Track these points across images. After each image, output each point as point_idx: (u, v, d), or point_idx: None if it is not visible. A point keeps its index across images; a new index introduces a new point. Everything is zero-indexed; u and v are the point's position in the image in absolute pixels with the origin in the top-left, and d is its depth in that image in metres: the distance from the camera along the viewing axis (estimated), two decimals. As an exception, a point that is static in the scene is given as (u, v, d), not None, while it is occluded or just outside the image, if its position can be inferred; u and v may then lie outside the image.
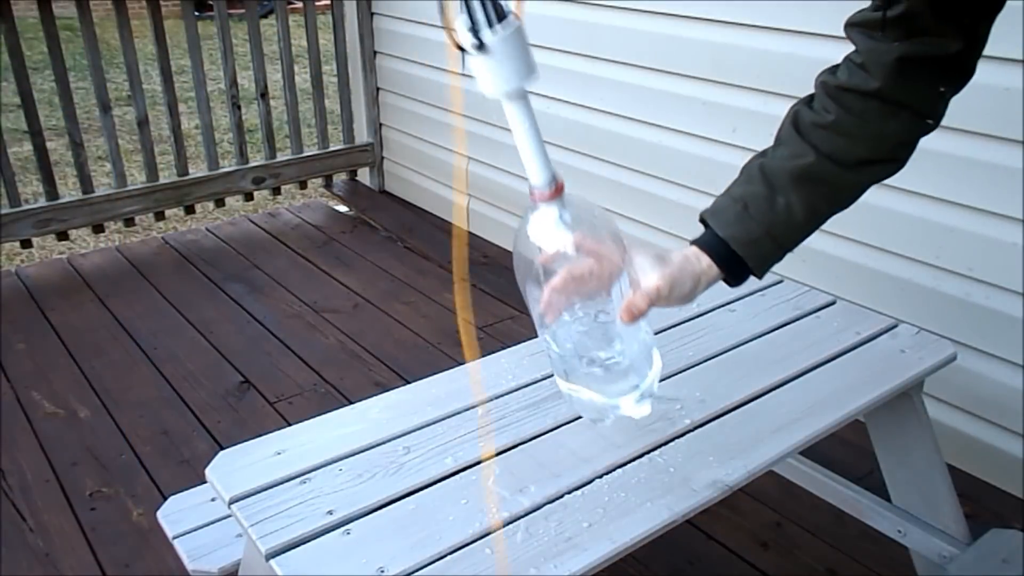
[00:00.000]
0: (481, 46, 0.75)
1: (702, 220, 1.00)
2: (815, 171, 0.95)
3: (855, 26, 0.94)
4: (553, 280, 0.88)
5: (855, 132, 0.94)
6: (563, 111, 2.83)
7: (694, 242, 0.99)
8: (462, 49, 0.76)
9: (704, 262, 0.97)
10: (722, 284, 1.01)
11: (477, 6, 0.73)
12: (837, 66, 0.97)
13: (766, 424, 1.21)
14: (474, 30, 0.74)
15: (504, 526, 1.00)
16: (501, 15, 0.74)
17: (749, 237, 0.96)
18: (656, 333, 1.44)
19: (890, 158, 0.97)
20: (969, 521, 1.55)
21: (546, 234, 0.86)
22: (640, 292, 0.89)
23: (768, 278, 1.64)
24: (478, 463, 1.11)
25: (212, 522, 1.33)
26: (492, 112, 0.79)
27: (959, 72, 0.92)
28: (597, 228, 0.89)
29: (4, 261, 3.47)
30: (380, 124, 3.86)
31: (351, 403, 1.24)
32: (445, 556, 0.96)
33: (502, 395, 1.26)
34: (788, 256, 1.00)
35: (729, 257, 0.97)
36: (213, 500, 1.36)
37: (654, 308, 0.94)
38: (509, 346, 1.41)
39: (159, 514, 1.36)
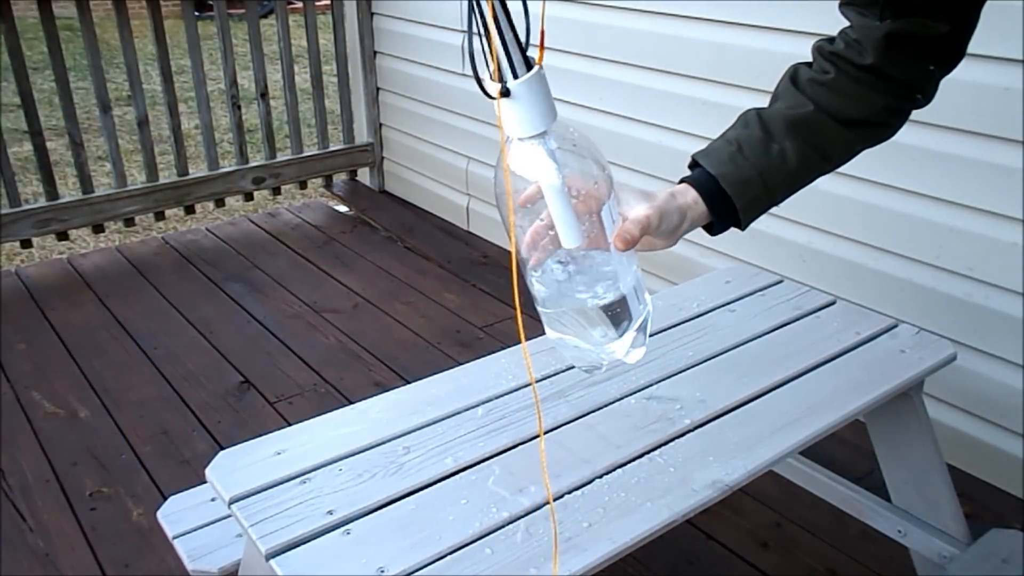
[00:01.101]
0: (506, 92, 0.76)
1: (693, 160, 1.00)
2: (811, 121, 0.97)
3: (849, 5, 0.96)
4: (537, 223, 0.84)
5: (851, 93, 0.96)
6: (563, 111, 2.79)
7: (683, 180, 0.99)
8: (489, 95, 0.76)
9: (691, 196, 0.95)
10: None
11: (503, 55, 0.74)
12: (832, 37, 1.00)
13: (766, 424, 1.21)
14: (500, 78, 0.76)
15: (504, 526, 1.00)
16: (528, 65, 0.76)
17: (741, 177, 0.96)
18: (656, 333, 1.44)
19: (883, 123, 1.00)
20: (969, 521, 1.55)
21: (529, 164, 0.82)
22: (631, 219, 0.88)
23: (768, 278, 1.65)
24: (478, 463, 1.11)
25: (212, 522, 1.33)
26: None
27: (948, 53, 0.94)
28: (581, 155, 0.85)
29: (4, 261, 3.47)
30: (380, 124, 3.86)
31: (351, 403, 1.24)
32: (445, 556, 0.96)
33: (502, 395, 1.26)
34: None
35: (717, 194, 0.96)
36: (213, 500, 1.36)
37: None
38: (509, 346, 1.42)
39: (159, 514, 1.36)
